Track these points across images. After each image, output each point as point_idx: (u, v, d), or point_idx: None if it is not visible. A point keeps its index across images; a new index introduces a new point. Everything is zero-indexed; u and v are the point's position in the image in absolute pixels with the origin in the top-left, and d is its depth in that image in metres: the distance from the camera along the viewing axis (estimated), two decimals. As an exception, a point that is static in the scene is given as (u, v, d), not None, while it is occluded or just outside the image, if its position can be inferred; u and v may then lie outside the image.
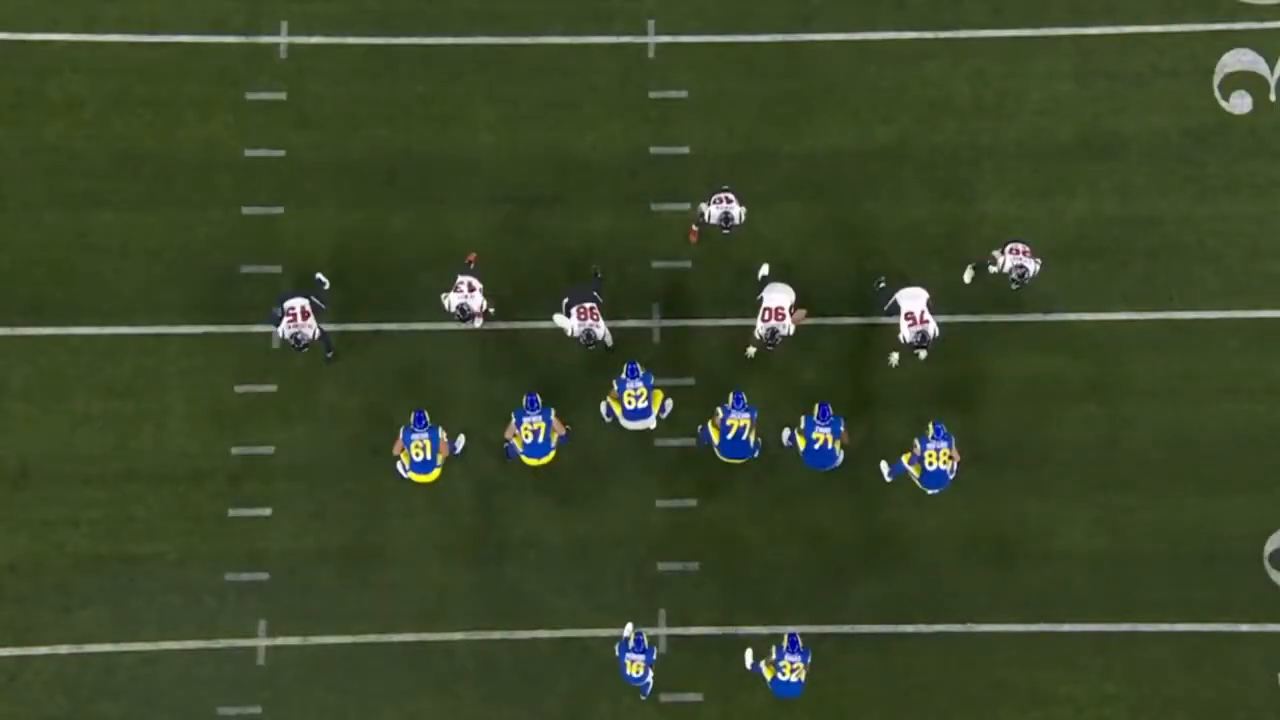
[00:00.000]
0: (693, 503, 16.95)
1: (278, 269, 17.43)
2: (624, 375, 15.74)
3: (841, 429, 15.61)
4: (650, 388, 15.85)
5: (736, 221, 16.22)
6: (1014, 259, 16.31)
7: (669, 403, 16.28)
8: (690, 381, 17.24)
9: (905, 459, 15.77)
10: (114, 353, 17.08)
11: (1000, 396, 17.26)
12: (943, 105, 17.99)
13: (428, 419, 15.70)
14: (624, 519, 16.56)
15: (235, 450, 16.99)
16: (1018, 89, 18.06)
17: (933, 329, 15.96)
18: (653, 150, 17.75)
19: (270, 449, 16.92)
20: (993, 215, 17.73)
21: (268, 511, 16.83)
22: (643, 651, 15.33)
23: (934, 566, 16.77)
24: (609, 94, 17.85)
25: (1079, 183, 17.68)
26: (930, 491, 15.82)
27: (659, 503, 16.97)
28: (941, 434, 15.58)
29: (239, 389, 17.08)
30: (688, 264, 17.59)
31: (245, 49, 17.98)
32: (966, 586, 16.76)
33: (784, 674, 15.20)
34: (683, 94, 17.93)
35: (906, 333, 16.02)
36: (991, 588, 16.76)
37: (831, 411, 15.59)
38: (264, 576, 16.69)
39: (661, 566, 16.72)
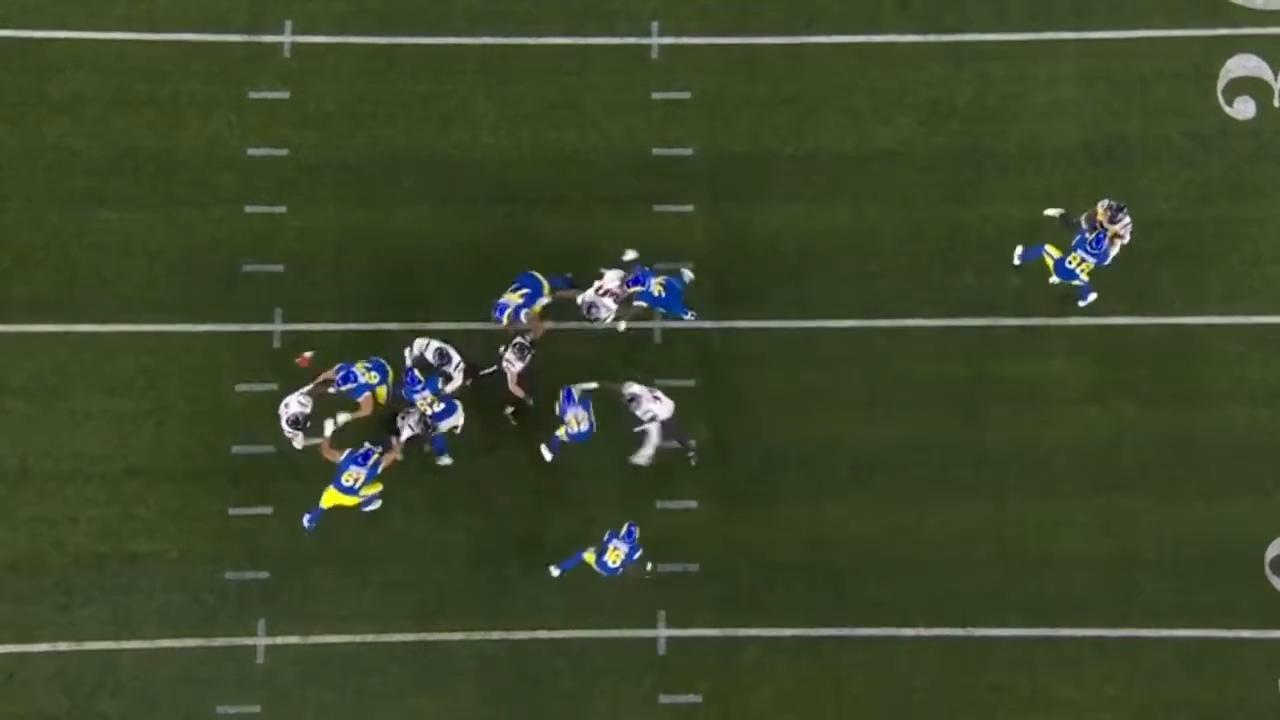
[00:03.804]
0: (693, 504, 17.00)
1: (279, 268, 17.49)
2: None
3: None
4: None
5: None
6: (1112, 219, 16.31)
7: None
8: (691, 383, 17.26)
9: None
10: (115, 351, 17.11)
11: (1003, 399, 17.31)
12: (945, 108, 18.03)
13: (375, 456, 15.60)
14: (624, 520, 16.27)
15: (236, 449, 17.00)
16: (1021, 92, 18.08)
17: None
18: (655, 151, 17.81)
19: (271, 448, 16.84)
20: (995, 218, 17.76)
21: (268, 510, 16.82)
22: (630, 542, 15.31)
23: (934, 569, 16.80)
24: (612, 95, 17.91)
25: (1081, 186, 17.67)
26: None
27: (659, 504, 16.97)
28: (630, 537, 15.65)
29: (240, 388, 17.09)
30: (691, 264, 17.58)
31: (248, 48, 18.01)
32: (967, 589, 16.79)
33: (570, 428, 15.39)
34: (686, 95, 17.97)
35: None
36: (992, 591, 16.79)
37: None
38: (264, 575, 16.70)
39: (661, 567, 16.67)
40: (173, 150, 17.67)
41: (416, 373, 15.71)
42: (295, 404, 15.40)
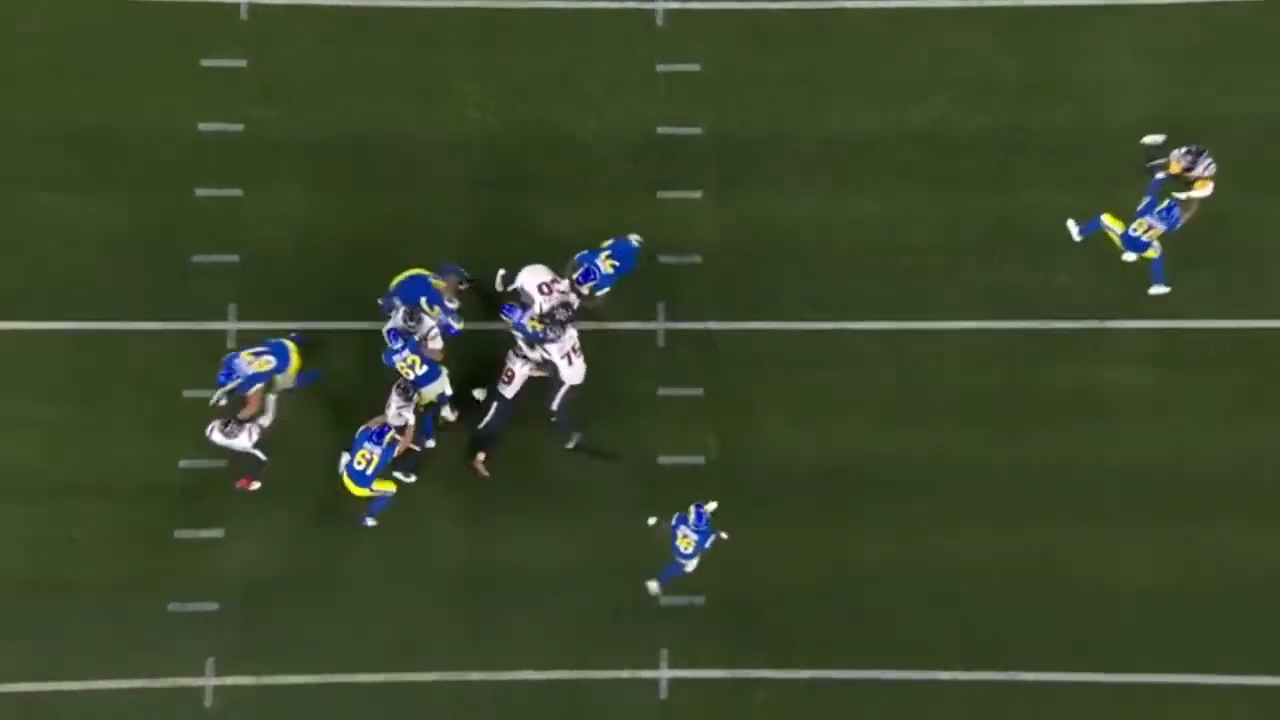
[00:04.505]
0: None
1: (234, 259, 16.97)
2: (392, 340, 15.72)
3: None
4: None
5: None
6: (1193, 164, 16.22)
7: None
8: (699, 393, 16.82)
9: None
10: (48, 352, 16.71)
11: (1049, 412, 16.81)
12: (987, 83, 17.60)
13: (389, 437, 15.48)
14: (621, 544, 16.19)
15: (184, 464, 16.48)
16: (1074, 65, 17.62)
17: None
18: (660, 130, 17.39)
19: (223, 462, 16.29)
20: (1041, 209, 17.15)
21: (219, 533, 16.40)
22: (701, 526, 15.36)
23: (972, 604, 16.38)
24: (610, 66, 17.55)
25: (1143, 173, 16.91)
26: None
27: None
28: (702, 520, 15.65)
29: (189, 394, 16.51)
30: (698, 258, 17.15)
31: (201, 9, 17.59)
32: (1009, 628, 16.34)
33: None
34: (694, 67, 17.55)
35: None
36: (1038, 630, 16.33)
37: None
38: (213, 607, 16.21)
39: (664, 601, 16.24)
40: (115, 126, 17.26)
41: (396, 331, 15.75)
42: (217, 435, 15.57)
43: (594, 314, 16.33)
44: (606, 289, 16.18)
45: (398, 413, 15.51)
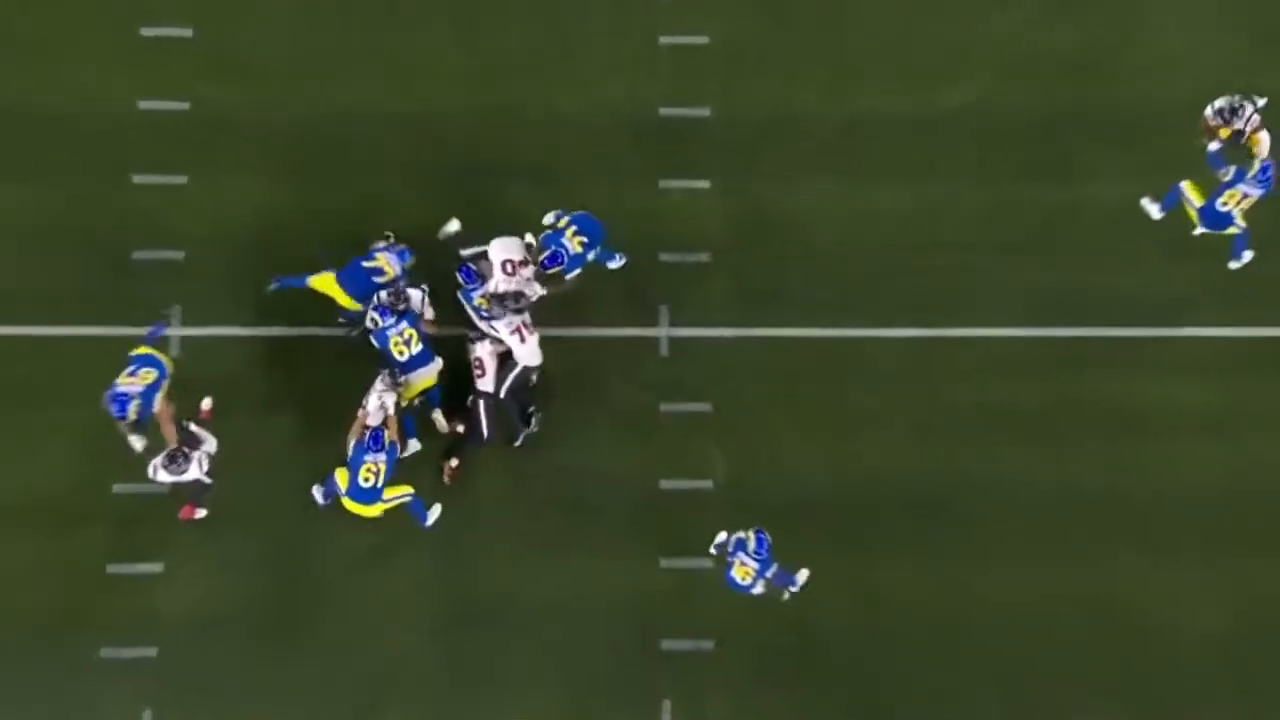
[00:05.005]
0: (707, 563, 15.70)
1: (179, 255, 16.27)
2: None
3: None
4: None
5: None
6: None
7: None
8: (706, 408, 16.20)
9: None
10: None
11: (1100, 430, 16.24)
12: (1032, 59, 17.03)
13: (386, 438, 14.94)
14: (620, 581, 15.72)
15: (119, 488, 15.73)
16: (1132, 38, 17.10)
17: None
18: (663, 112, 16.85)
19: (164, 488, 15.32)
20: (1093, 201, 16.62)
21: (158, 567, 15.70)
22: (763, 555, 14.86)
23: (1014, 649, 15.73)
24: (609, 40, 17.06)
25: (1202, 159, 15.96)
26: None
27: (663, 561, 15.88)
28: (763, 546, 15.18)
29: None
30: (705, 256, 16.57)
31: None
32: (1057, 673, 15.69)
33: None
34: (702, 40, 17.01)
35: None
36: (1088, 676, 15.71)
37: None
38: (151, 653, 15.50)
39: (667, 644, 15.62)
40: (43, 103, 16.68)
41: (385, 307, 15.16)
42: (163, 475, 14.83)
43: (575, 302, 15.74)
44: (579, 270, 15.65)
45: (379, 401, 15.05)
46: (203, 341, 16.05)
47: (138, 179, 16.42)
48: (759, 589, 14.89)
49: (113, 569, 15.61)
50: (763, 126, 16.81)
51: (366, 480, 14.82)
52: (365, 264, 15.22)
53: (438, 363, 15.39)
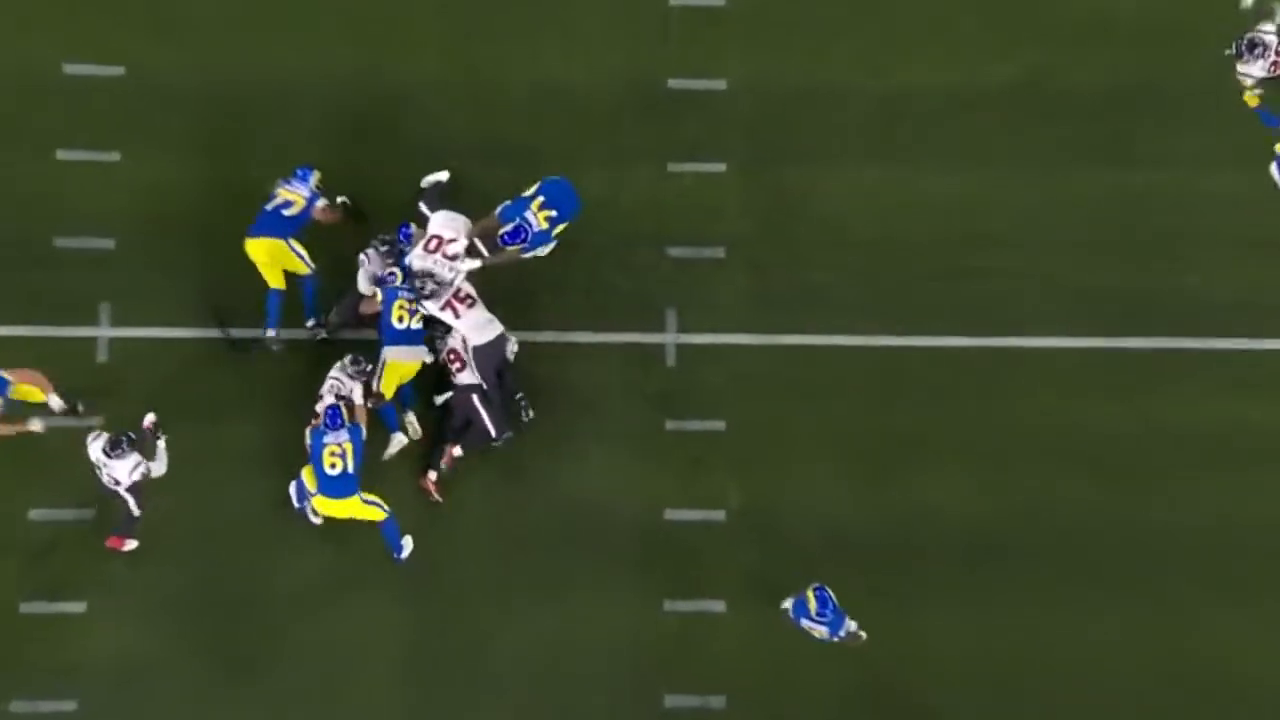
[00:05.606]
0: (719, 605, 15.00)
1: (109, 243, 15.43)
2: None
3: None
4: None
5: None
6: None
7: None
8: (719, 426, 15.40)
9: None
10: None
11: (1175, 457, 15.41)
12: (1094, 29, 16.16)
13: (345, 416, 14.38)
14: (619, 626, 14.94)
15: (35, 514, 14.87)
16: (1207, 5, 16.08)
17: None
18: (672, 84, 16.08)
19: (88, 512, 14.72)
20: (1166, 188, 15.76)
21: (80, 607, 14.73)
22: (829, 615, 14.35)
23: (1072, 700, 14.89)
24: (610, 1, 16.35)
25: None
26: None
27: (669, 604, 15.03)
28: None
29: (46, 423, 14.81)
30: (720, 251, 15.76)
31: None
32: None
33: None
34: (718, 2, 16.24)
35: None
36: None
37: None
38: (70, 706, 14.53)
39: (670, 700, 14.76)
40: None
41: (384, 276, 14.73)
42: (100, 456, 14.13)
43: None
44: (549, 246, 15.18)
45: (335, 380, 14.47)
46: (133, 344, 15.18)
47: (62, 155, 15.65)
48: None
49: (26, 608, 14.70)
50: (787, 102, 16.00)
51: (334, 466, 14.11)
52: (270, 206, 14.72)
53: (425, 353, 14.90)
